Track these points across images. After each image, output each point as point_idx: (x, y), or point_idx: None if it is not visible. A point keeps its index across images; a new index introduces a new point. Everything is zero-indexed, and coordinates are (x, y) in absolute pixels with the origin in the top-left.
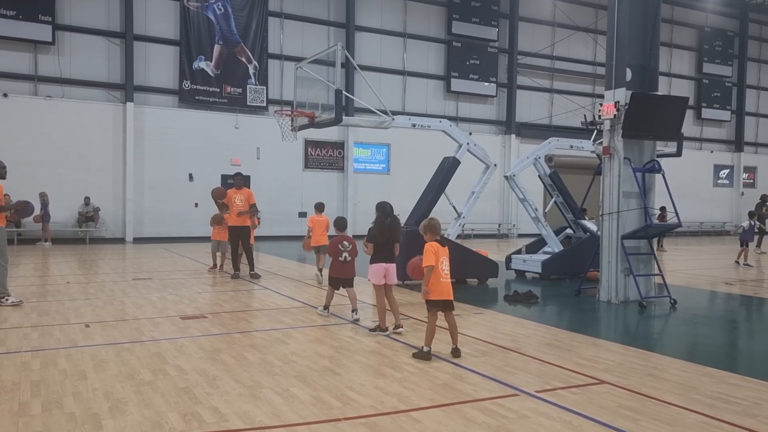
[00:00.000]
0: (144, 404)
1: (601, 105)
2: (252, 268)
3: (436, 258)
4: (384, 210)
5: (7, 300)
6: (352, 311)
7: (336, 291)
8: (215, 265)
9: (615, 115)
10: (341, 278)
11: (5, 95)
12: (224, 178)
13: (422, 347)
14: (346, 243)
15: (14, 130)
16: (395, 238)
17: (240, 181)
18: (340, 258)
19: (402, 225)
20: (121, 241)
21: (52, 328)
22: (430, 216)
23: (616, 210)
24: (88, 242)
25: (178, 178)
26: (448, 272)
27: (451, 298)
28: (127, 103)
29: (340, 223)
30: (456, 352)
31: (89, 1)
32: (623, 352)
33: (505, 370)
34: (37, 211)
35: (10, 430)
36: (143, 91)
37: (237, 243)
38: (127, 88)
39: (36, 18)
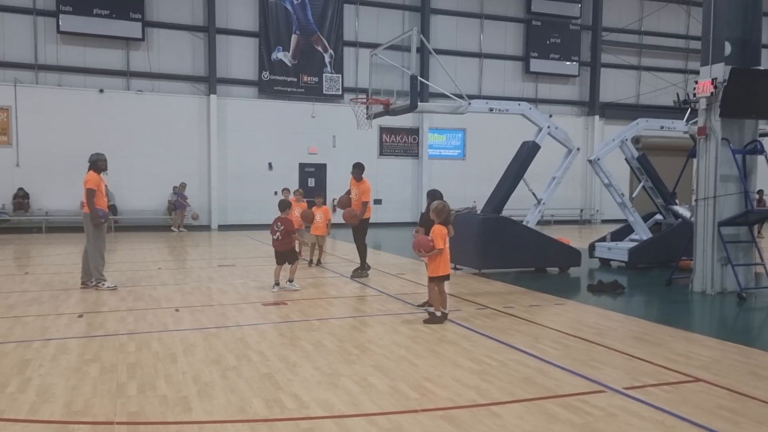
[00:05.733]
0: (229, 389)
1: (696, 82)
2: (362, 265)
3: (444, 241)
4: (434, 197)
5: (103, 285)
6: (288, 281)
7: (281, 266)
8: (311, 261)
9: (712, 93)
10: (277, 251)
11: (101, 91)
12: (302, 166)
13: (435, 312)
14: (279, 224)
15: (109, 124)
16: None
17: (358, 172)
18: (274, 237)
19: (479, 212)
20: (207, 228)
21: (146, 312)
22: (442, 201)
23: (712, 195)
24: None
25: (259, 167)
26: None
27: (450, 271)
28: (211, 95)
29: (281, 205)
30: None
31: None
32: (720, 348)
33: (589, 365)
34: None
35: (110, 410)
36: (225, 83)
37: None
38: (210, 81)
39: (127, 16)
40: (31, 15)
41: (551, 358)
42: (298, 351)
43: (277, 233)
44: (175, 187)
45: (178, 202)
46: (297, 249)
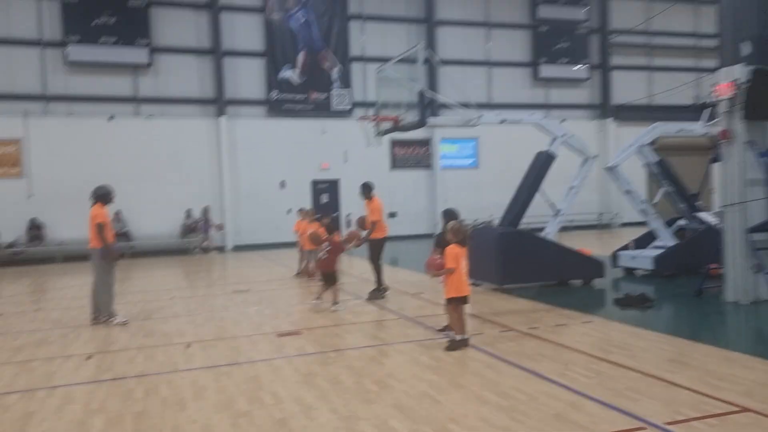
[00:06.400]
0: None
1: (714, 84)
2: (378, 286)
3: (457, 261)
4: (451, 217)
5: (113, 320)
6: (333, 303)
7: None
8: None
9: (733, 95)
10: (321, 271)
11: (111, 118)
12: (314, 183)
13: (455, 338)
14: (326, 244)
15: (120, 150)
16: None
17: (366, 192)
18: (320, 256)
19: (496, 226)
20: (222, 249)
21: (156, 350)
22: (459, 220)
23: (739, 201)
24: (192, 253)
25: (271, 186)
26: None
27: (469, 293)
28: (220, 117)
29: (329, 228)
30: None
31: (181, 22)
32: (764, 369)
33: (625, 395)
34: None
35: None
36: (234, 104)
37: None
38: (219, 103)
39: (134, 42)
40: (39, 47)
41: (583, 388)
42: (314, 390)
43: (323, 252)
44: (188, 210)
45: (203, 225)
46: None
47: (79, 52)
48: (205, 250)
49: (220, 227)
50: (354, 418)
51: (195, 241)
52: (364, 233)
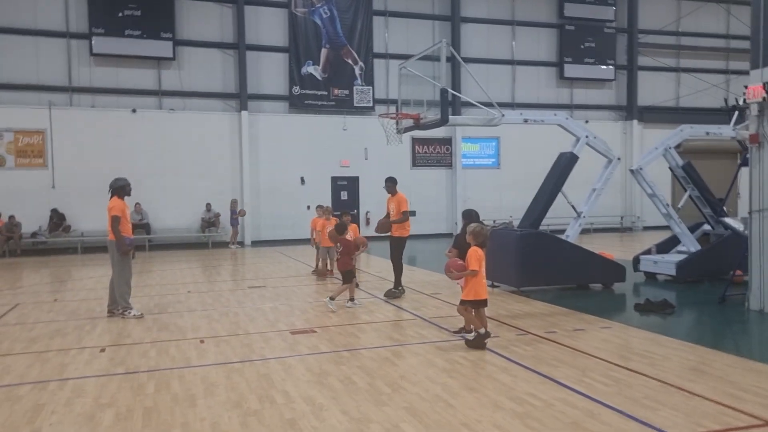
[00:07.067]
0: None
1: (745, 86)
2: (396, 285)
3: (480, 263)
4: (470, 218)
5: (129, 313)
6: (348, 300)
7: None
8: (317, 266)
9: (764, 98)
10: (339, 270)
11: (134, 111)
12: (334, 180)
13: (479, 332)
14: (338, 245)
15: (142, 143)
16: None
17: (391, 186)
18: (336, 257)
19: (516, 228)
20: (241, 244)
21: (169, 344)
22: (479, 223)
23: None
24: (211, 246)
25: (291, 181)
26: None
27: (487, 297)
28: (242, 111)
29: (338, 228)
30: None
31: (205, 16)
32: None
33: (644, 405)
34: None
35: None
36: (256, 98)
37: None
38: (241, 97)
39: (158, 36)
40: (65, 38)
41: (601, 396)
42: (326, 390)
43: (337, 253)
44: (208, 204)
45: (232, 219)
46: (329, 267)
47: (104, 44)
48: (232, 244)
49: (242, 213)
50: (365, 420)
51: (219, 235)
52: (381, 231)
